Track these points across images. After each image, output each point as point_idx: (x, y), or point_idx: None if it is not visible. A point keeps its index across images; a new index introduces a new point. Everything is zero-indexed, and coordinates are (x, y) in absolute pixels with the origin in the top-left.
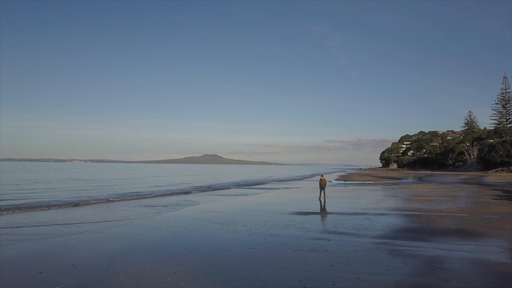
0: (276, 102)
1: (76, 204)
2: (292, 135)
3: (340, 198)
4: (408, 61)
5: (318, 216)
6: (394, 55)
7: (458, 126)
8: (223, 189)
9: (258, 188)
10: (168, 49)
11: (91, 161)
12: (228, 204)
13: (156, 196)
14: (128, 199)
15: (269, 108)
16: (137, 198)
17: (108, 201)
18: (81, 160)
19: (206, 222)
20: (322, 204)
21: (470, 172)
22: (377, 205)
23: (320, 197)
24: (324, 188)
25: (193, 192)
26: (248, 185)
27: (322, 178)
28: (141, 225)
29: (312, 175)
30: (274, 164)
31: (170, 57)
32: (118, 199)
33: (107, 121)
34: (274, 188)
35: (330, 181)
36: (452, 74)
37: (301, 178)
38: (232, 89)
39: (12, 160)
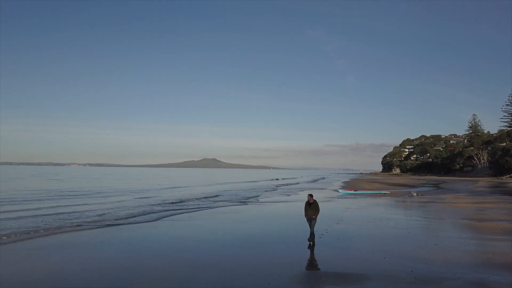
0: (274, 107)
1: None
2: (291, 140)
3: (361, 223)
4: (404, 65)
5: None
6: (390, 60)
7: (457, 129)
8: (193, 209)
9: (245, 203)
10: (167, 54)
11: (90, 165)
12: (163, 239)
13: (82, 229)
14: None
15: (268, 113)
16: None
17: None
18: (80, 164)
19: None
20: (309, 259)
21: (483, 178)
22: (440, 246)
23: (310, 236)
24: (315, 219)
25: (147, 216)
26: (235, 196)
27: (312, 200)
28: None
29: (315, 180)
30: (273, 168)
31: (169, 62)
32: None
33: (107, 125)
34: (268, 202)
35: (337, 191)
36: (449, 79)
37: (304, 188)
38: (231, 94)
39: (11, 164)
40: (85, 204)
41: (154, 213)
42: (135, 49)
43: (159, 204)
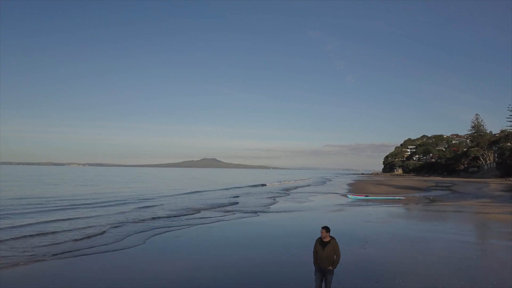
0: (274, 107)
1: None
2: (290, 140)
3: (394, 247)
4: (404, 65)
5: None
6: (390, 60)
7: (457, 129)
8: (193, 224)
9: (256, 212)
10: (167, 54)
11: (90, 165)
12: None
13: (35, 260)
14: None
15: (268, 113)
16: None
17: None
18: (79, 164)
19: None
20: None
21: (491, 179)
22: None
23: None
24: (332, 271)
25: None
26: (245, 203)
27: (327, 238)
28: None
29: (323, 182)
30: (273, 168)
31: (169, 62)
32: None
33: (107, 125)
34: (280, 212)
35: (347, 196)
36: (449, 79)
37: (315, 192)
38: (231, 94)
39: (11, 163)
40: (70, 219)
41: (147, 231)
42: (135, 49)
43: (155, 218)
